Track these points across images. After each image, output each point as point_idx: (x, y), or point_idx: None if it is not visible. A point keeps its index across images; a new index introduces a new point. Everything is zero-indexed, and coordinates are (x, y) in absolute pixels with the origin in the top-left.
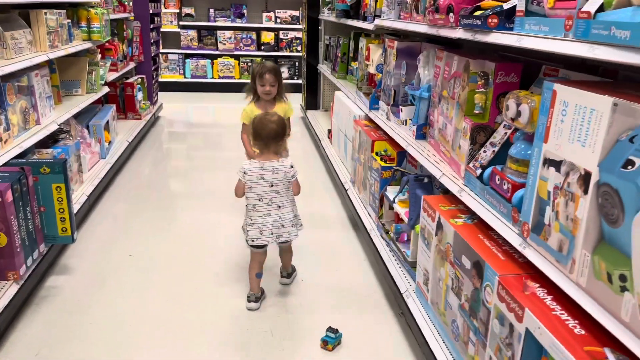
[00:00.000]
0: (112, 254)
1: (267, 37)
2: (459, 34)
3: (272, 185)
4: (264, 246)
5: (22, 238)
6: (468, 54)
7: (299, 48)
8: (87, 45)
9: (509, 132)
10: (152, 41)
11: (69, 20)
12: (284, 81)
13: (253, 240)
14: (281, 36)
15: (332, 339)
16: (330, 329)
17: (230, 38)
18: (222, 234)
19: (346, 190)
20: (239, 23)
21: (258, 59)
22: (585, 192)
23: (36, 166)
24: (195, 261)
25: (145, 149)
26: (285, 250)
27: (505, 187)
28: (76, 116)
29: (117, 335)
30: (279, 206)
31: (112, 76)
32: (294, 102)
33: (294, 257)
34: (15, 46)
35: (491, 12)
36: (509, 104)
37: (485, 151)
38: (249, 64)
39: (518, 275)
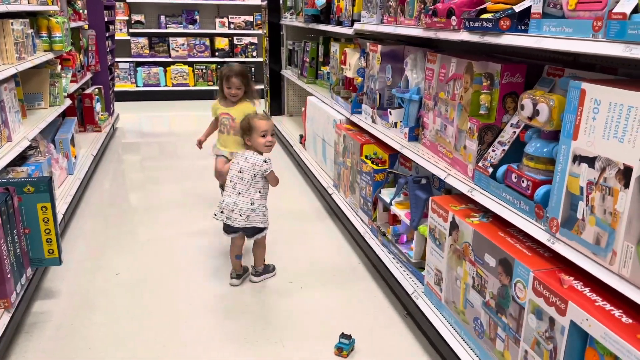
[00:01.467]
0: (95, 273)
1: (222, 43)
2: (462, 36)
3: (240, 172)
4: (234, 232)
5: (11, 263)
6: (466, 55)
7: (254, 54)
8: (50, 55)
9: (517, 131)
10: (107, 50)
11: (32, 30)
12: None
13: (215, 215)
14: (235, 42)
15: (346, 345)
16: (343, 336)
17: (183, 45)
18: (199, 243)
19: (330, 195)
20: (191, 29)
21: (213, 66)
22: (626, 186)
23: (19, 185)
24: (181, 273)
25: (108, 162)
26: (255, 245)
27: (524, 184)
28: (41, 131)
29: (119, 357)
30: (239, 193)
31: (72, 87)
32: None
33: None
34: None
35: (503, 15)
36: (525, 104)
37: (494, 150)
38: (204, 70)
39: (549, 270)
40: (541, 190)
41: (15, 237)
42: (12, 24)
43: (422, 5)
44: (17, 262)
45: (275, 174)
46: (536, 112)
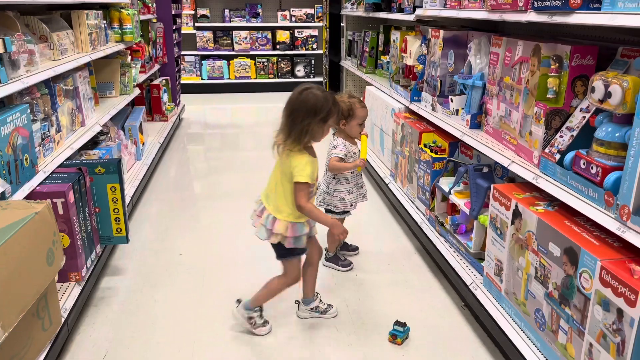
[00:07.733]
0: (160, 253)
1: (283, 36)
2: (530, 17)
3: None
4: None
5: (82, 239)
6: (533, 38)
7: (314, 46)
8: (121, 46)
9: (587, 115)
10: (174, 42)
11: (105, 22)
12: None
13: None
14: (296, 34)
15: (401, 333)
16: (397, 323)
17: (245, 38)
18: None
19: (387, 184)
20: (254, 23)
21: (274, 58)
22: None
23: (91, 167)
24: (239, 256)
25: (174, 150)
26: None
27: (593, 170)
28: (112, 118)
29: (180, 333)
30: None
31: (141, 78)
32: None
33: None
34: (61, 47)
35: None
36: (596, 85)
37: (562, 136)
38: (265, 63)
39: (619, 260)
40: (612, 177)
41: (87, 214)
42: (87, 15)
43: None
44: (88, 239)
45: (337, 162)
46: (608, 95)
